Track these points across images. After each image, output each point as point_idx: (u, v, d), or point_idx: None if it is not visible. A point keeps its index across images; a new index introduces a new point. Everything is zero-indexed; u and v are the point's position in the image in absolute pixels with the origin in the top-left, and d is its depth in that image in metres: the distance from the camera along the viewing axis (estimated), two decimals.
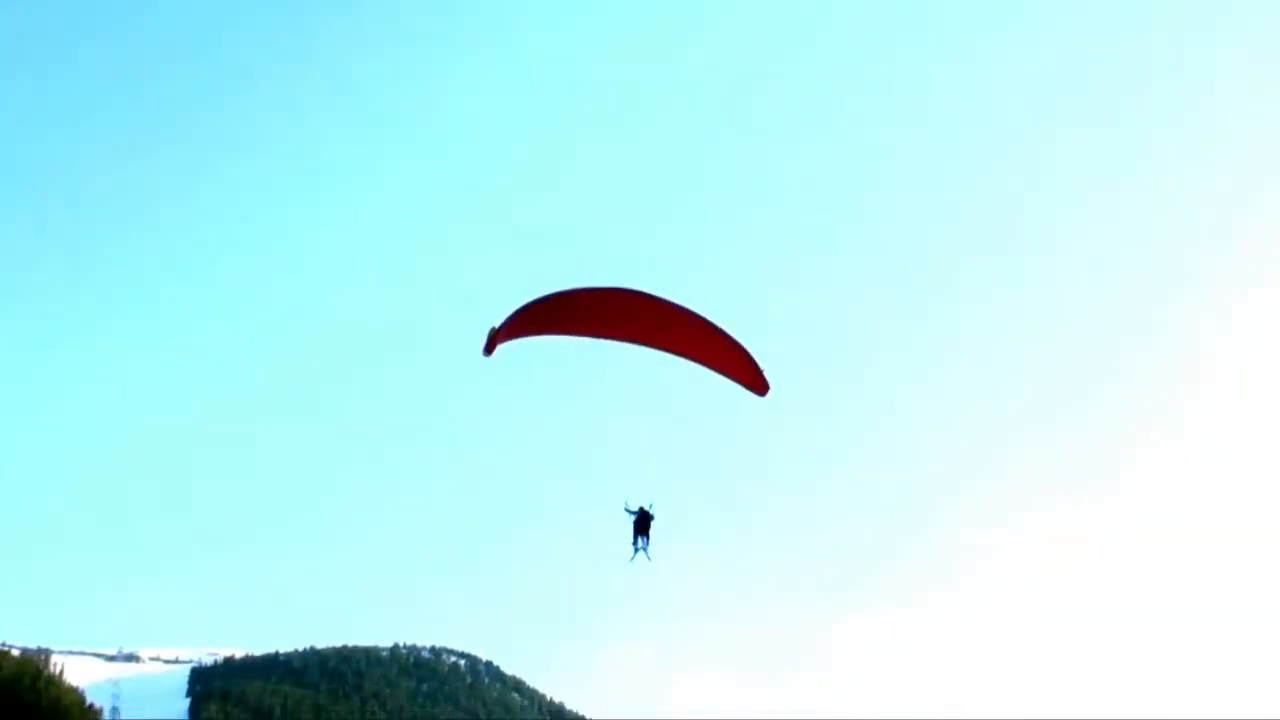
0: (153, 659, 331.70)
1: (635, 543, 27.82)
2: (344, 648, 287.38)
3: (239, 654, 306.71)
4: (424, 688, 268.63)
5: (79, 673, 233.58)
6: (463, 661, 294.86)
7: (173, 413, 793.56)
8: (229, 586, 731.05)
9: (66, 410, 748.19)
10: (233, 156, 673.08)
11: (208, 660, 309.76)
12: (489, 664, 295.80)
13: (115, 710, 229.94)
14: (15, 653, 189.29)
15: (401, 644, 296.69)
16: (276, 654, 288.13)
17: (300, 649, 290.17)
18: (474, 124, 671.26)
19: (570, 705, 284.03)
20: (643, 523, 26.93)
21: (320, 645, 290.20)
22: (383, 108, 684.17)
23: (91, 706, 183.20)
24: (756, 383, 15.17)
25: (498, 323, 17.40)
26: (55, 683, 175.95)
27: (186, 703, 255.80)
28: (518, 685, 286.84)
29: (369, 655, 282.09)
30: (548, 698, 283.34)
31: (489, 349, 17.22)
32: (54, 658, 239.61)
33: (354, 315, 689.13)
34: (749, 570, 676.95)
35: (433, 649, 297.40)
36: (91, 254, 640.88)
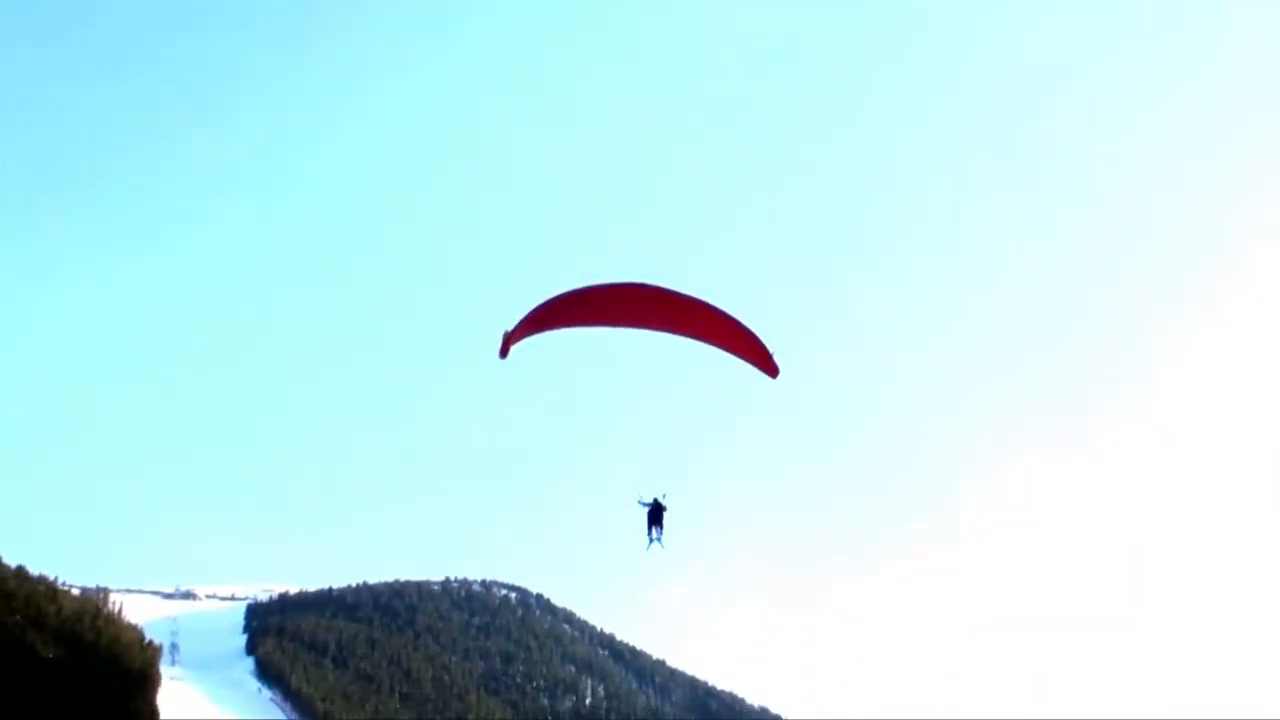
0: (209, 596, 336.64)
1: (650, 533, 29.54)
2: (396, 582, 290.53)
3: (293, 590, 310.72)
4: (476, 620, 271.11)
5: (137, 611, 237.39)
6: (513, 594, 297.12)
7: (225, 350, 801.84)
8: (283, 525, 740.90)
9: (117, 348, 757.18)
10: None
11: (263, 597, 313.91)
12: (539, 596, 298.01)
13: (174, 647, 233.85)
14: (74, 592, 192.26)
15: (453, 578, 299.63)
16: (330, 590, 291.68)
17: (353, 584, 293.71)
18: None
19: (621, 636, 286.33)
20: (655, 514, 28.57)
21: (373, 581, 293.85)
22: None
23: (150, 643, 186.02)
24: (767, 365, 15.07)
25: (509, 326, 17.56)
26: (114, 621, 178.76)
27: (244, 639, 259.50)
28: (568, 617, 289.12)
29: (421, 590, 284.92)
30: (598, 629, 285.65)
31: (503, 351, 17.33)
32: (112, 596, 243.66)
33: (405, 255, 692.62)
34: (787, 510, 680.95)
35: (483, 582, 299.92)
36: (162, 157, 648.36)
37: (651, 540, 30.56)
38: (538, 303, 16.66)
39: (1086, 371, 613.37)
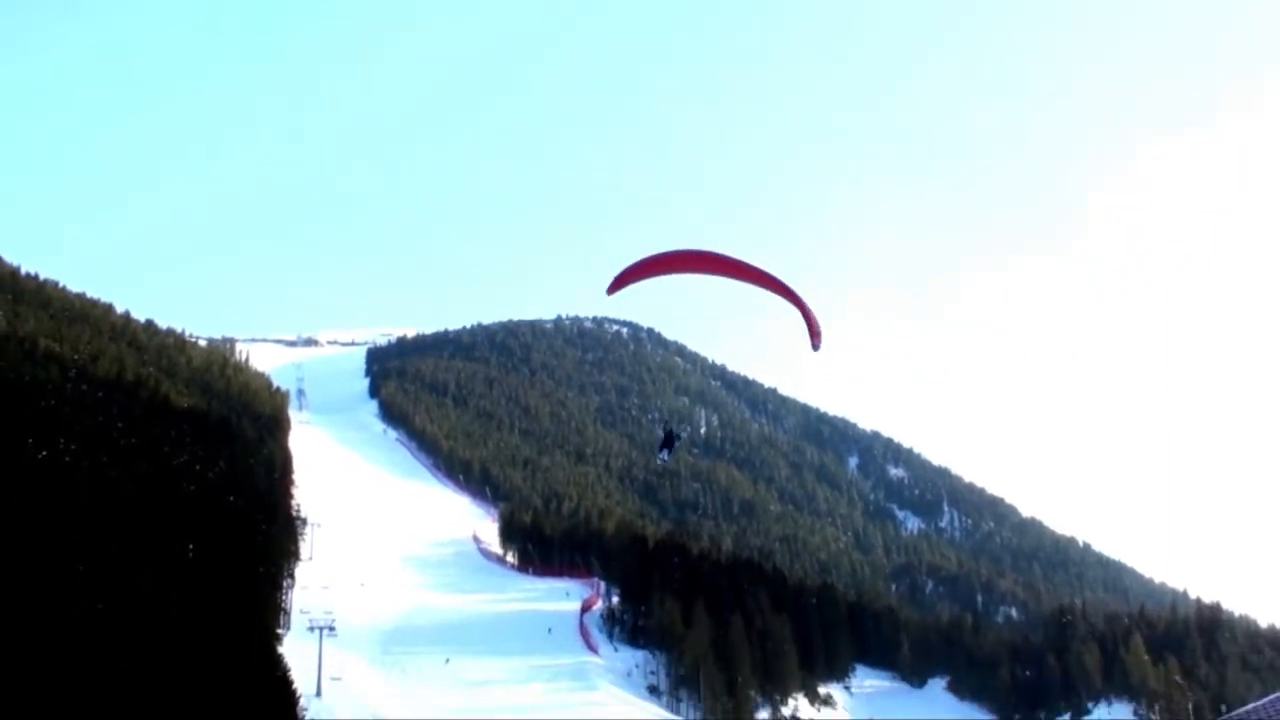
0: (330, 343, 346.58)
1: (661, 452, 36.02)
2: (509, 322, 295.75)
3: (411, 333, 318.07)
4: (589, 356, 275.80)
5: (263, 359, 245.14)
6: (625, 329, 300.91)
7: (345, 105, 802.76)
8: (398, 271, 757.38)
9: (243, 106, 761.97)
10: None
11: (382, 341, 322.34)
12: (650, 330, 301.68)
13: (300, 393, 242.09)
14: (202, 343, 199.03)
15: (564, 316, 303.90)
16: (446, 332, 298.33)
17: (468, 326, 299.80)
18: None
19: (732, 366, 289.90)
20: (669, 440, 34.13)
21: (487, 321, 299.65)
22: None
23: (278, 389, 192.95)
24: (813, 336, 15.37)
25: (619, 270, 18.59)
26: (242, 369, 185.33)
27: (366, 382, 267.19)
28: (680, 350, 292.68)
29: (534, 328, 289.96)
30: (710, 360, 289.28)
31: (610, 291, 18.47)
32: (238, 346, 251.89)
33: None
34: (895, 226, 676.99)
35: (594, 319, 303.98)
36: None
37: (661, 458, 41.28)
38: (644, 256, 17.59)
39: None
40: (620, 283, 16.85)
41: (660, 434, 35.42)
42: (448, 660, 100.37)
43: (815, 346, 15.48)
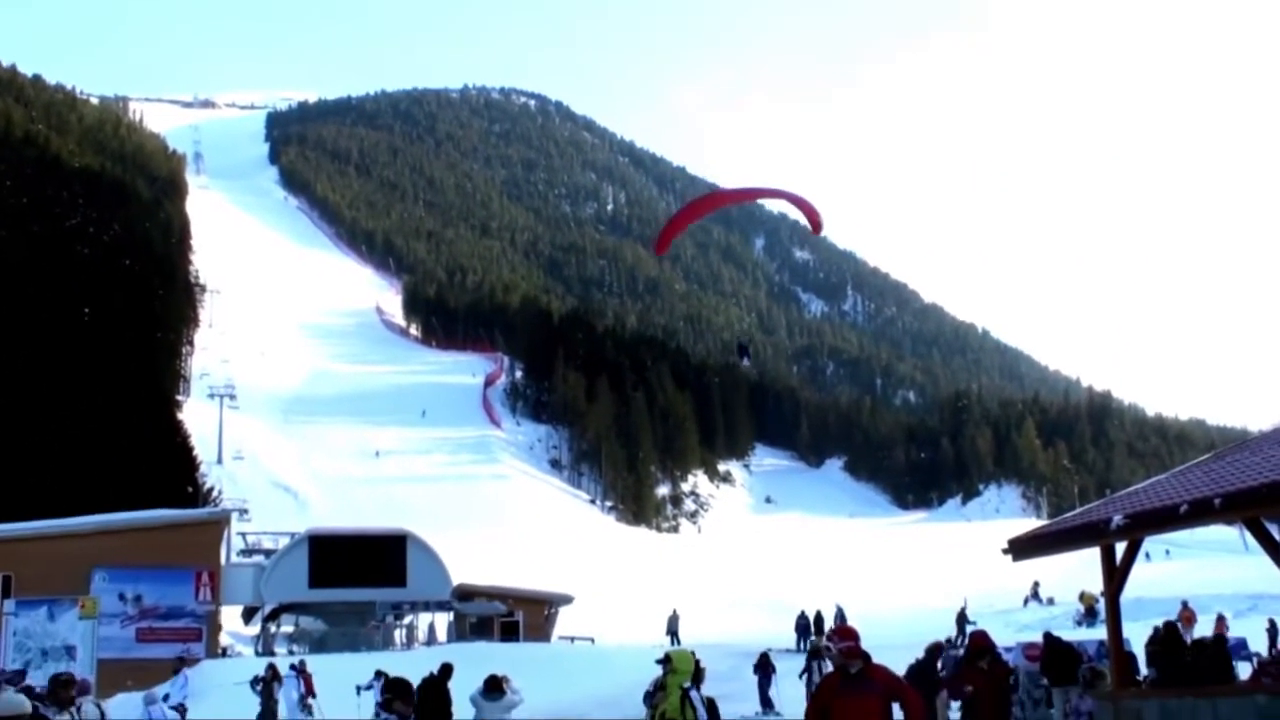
0: (229, 105, 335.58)
1: (742, 359, 72.46)
2: (415, 90, 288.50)
3: (313, 98, 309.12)
4: (496, 128, 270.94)
5: (158, 120, 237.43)
6: (533, 102, 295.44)
7: None
8: (300, 30, 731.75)
9: None
10: None
11: (283, 105, 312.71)
12: (559, 104, 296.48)
13: (198, 156, 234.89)
14: (93, 101, 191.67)
15: (471, 85, 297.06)
16: (349, 98, 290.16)
17: (372, 93, 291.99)
18: None
19: (640, 143, 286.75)
20: (743, 350, 67.53)
21: (391, 89, 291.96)
22: None
23: (175, 152, 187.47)
24: (813, 222, 15.79)
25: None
26: (137, 129, 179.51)
27: (266, 147, 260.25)
28: (588, 125, 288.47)
29: (440, 98, 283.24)
30: (618, 136, 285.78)
31: (659, 251, 19.83)
32: (132, 105, 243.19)
33: None
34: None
35: (502, 90, 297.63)
36: None
37: (743, 361, 78.59)
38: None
39: None
40: (665, 240, 17.42)
41: (737, 346, 38.02)
42: (378, 453, 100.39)
43: (816, 231, 16.12)
